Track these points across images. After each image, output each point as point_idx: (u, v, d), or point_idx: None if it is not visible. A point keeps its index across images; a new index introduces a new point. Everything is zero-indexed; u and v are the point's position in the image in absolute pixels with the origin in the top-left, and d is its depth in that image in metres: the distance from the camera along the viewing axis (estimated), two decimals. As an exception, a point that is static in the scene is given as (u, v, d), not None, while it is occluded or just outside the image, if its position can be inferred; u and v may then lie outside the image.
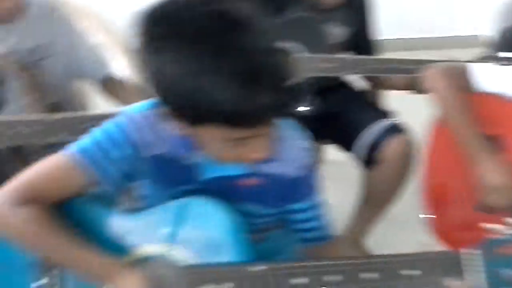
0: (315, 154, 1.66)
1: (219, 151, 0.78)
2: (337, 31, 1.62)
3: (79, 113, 1.27)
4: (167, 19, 0.73)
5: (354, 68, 1.50)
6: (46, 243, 0.81)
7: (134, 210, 0.89)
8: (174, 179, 0.86)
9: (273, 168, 0.88)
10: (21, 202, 0.81)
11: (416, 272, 0.77)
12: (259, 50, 0.71)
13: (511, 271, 0.77)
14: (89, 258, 0.80)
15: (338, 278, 0.78)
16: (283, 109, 0.75)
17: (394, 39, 1.72)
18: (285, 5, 1.56)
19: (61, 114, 1.24)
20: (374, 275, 0.77)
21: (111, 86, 1.43)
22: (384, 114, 1.64)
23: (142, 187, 0.89)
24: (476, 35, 1.51)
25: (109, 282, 0.80)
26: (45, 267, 0.86)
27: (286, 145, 0.88)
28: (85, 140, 0.84)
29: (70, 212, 0.84)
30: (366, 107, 1.69)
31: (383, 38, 1.73)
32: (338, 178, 1.96)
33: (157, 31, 0.73)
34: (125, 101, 1.30)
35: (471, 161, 1.14)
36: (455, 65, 1.23)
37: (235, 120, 0.72)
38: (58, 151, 0.85)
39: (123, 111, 0.84)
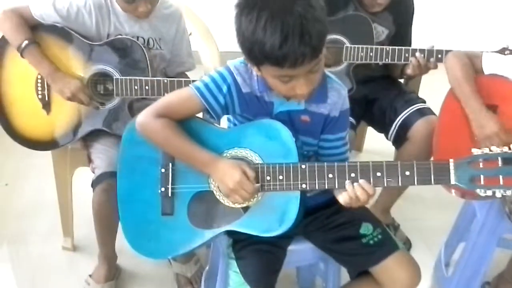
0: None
1: (276, 86, 1.23)
2: (379, 31, 2.04)
3: (174, 79, 1.76)
4: None
5: (387, 55, 1.92)
6: (173, 141, 1.30)
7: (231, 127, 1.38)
8: (256, 111, 1.32)
9: (321, 109, 1.32)
10: (159, 115, 1.31)
11: (413, 172, 1.18)
12: (295, 15, 1.10)
13: (474, 175, 1.18)
14: (199, 152, 1.29)
15: (354, 174, 1.21)
16: (308, 58, 1.12)
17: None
18: (338, 8, 2.01)
19: (164, 79, 1.75)
20: (381, 173, 1.19)
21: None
22: (415, 101, 2.04)
23: (234, 115, 1.36)
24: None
25: (210, 168, 1.28)
26: (165, 161, 1.34)
27: (332, 93, 1.32)
28: (200, 82, 1.33)
29: (186, 126, 1.33)
30: (401, 95, 2.07)
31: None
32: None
33: (243, 2, 1.16)
34: None
35: (471, 118, 1.56)
36: (469, 52, 1.64)
37: (278, 60, 1.12)
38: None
39: (230, 63, 1.32)
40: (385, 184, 1.20)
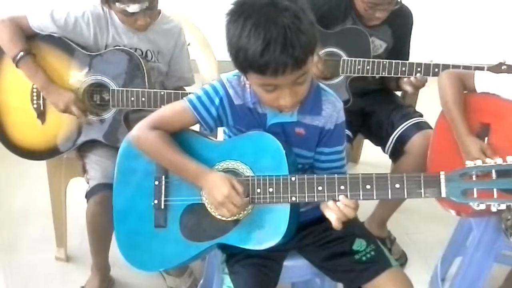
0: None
1: (261, 95, 1.27)
2: (376, 44, 2.10)
3: (171, 91, 1.81)
4: (241, 2, 1.20)
5: (384, 69, 1.98)
6: (165, 153, 1.35)
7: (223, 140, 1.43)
8: (249, 123, 1.36)
9: (316, 121, 1.36)
10: (153, 128, 1.36)
11: (403, 185, 1.22)
12: (280, 26, 1.14)
13: (466, 188, 1.20)
14: (190, 164, 1.33)
15: (344, 187, 1.25)
16: (289, 68, 1.16)
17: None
18: (337, 21, 2.07)
19: (160, 91, 1.80)
20: (371, 186, 1.24)
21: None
22: (412, 115, 2.08)
23: (228, 127, 1.40)
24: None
25: (200, 181, 1.32)
26: (159, 173, 1.39)
27: (327, 106, 1.36)
28: (193, 95, 1.38)
29: (179, 138, 1.38)
30: (398, 109, 2.12)
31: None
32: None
33: (232, 10, 1.21)
34: None
35: (459, 142, 1.61)
36: (461, 71, 1.69)
37: (260, 68, 1.16)
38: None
39: (223, 76, 1.37)
40: (375, 197, 1.24)
